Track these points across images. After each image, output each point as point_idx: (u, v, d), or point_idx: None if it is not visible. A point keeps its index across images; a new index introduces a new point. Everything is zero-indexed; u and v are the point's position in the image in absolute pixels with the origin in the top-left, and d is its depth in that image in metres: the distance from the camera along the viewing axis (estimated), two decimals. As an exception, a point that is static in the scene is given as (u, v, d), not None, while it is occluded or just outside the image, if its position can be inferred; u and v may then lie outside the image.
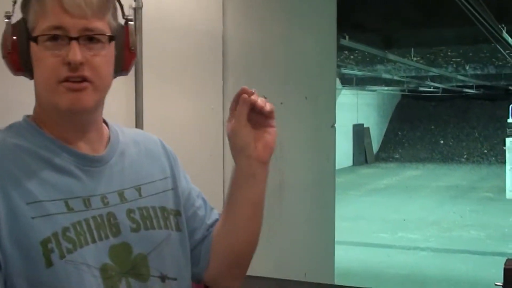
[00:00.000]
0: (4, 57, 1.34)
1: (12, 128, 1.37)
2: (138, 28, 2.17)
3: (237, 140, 1.49)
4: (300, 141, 3.89)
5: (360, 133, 25.48)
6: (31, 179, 1.27)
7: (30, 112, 1.40)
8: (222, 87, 2.96)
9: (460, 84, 20.50)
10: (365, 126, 26.11)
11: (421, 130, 28.72)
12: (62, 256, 1.25)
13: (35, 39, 1.29)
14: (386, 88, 23.61)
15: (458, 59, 13.41)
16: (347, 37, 7.41)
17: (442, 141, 28.05)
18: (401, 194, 17.03)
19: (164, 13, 2.31)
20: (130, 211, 1.40)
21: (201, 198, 1.62)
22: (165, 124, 2.56)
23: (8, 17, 1.33)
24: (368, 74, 16.22)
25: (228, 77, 3.00)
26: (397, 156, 27.55)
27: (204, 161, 2.90)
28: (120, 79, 2.12)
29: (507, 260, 2.07)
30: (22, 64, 1.33)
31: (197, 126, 2.81)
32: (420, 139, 28.36)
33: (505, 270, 2.04)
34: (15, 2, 1.35)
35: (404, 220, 12.74)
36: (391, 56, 10.50)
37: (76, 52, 1.27)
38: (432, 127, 28.72)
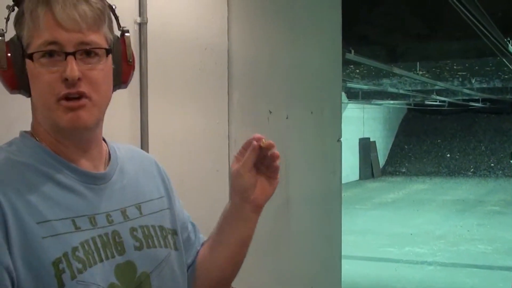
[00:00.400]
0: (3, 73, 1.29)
1: (13, 145, 1.34)
2: (143, 44, 2.17)
3: (239, 182, 1.49)
4: (306, 155, 3.87)
5: (366, 147, 25.45)
6: (38, 197, 1.24)
7: (28, 128, 1.38)
8: (228, 102, 2.96)
9: (466, 97, 20.48)
10: (371, 140, 26.09)
11: (427, 144, 28.68)
12: (73, 277, 1.22)
13: (30, 56, 1.26)
14: (392, 102, 23.60)
15: (464, 73, 13.41)
16: (352, 51, 7.42)
17: (448, 155, 28.00)
18: (408, 208, 16.98)
19: (169, 28, 2.31)
20: (133, 229, 1.39)
21: (190, 223, 1.64)
22: (170, 139, 2.55)
23: (1, 34, 1.29)
24: (374, 88, 16.21)
25: (233, 92, 3.00)
26: (403, 170, 27.50)
27: (210, 176, 2.89)
28: (125, 95, 2.13)
29: None
30: (18, 82, 1.30)
31: (203, 141, 2.80)
32: (427, 153, 28.31)
33: (514, 284, 2.02)
34: (7, 19, 1.32)
35: (411, 234, 12.69)
36: (396, 70, 10.50)
37: (73, 68, 1.24)
38: (439, 140, 28.68)
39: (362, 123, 25.27)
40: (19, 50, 1.28)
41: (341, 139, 4.48)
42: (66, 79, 1.24)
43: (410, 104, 25.37)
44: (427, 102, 23.17)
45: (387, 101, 23.09)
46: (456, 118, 28.21)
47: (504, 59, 8.99)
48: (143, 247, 1.39)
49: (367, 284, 8.57)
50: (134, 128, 2.24)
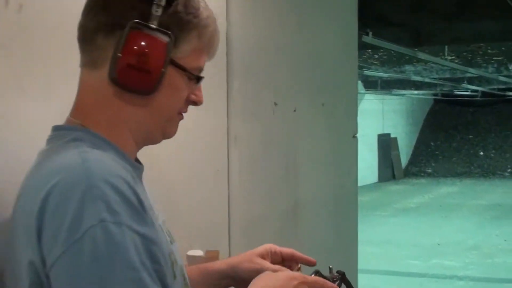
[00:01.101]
0: (139, 69, 1.41)
1: (94, 144, 1.42)
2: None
3: (248, 273, 1.76)
4: (317, 154, 3.88)
5: (386, 144, 25.50)
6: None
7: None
8: (226, 92, 2.97)
9: (503, 86, 20.50)
10: (392, 136, 26.14)
11: (457, 140, 28.75)
12: (175, 265, 1.47)
13: (183, 69, 1.47)
14: (416, 92, 23.63)
15: (500, 58, 13.42)
16: (370, 33, 7.44)
17: (482, 153, 28.05)
18: (434, 214, 17.03)
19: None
20: (163, 222, 1.57)
21: None
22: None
23: (168, 35, 1.42)
24: (395, 76, 16.23)
25: (233, 81, 3.01)
26: (429, 170, 27.57)
27: (209, 177, 2.91)
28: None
29: None
30: (156, 86, 1.44)
31: (198, 137, 2.81)
32: (457, 151, 28.38)
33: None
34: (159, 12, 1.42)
35: (439, 244, 12.75)
36: (421, 55, 10.51)
37: (202, 95, 1.56)
38: (470, 136, 28.74)
39: (382, 116, 25.32)
40: (169, 55, 1.44)
41: (357, 135, 4.49)
42: (195, 103, 1.56)
43: (437, 95, 25.41)
44: (456, 92, 23.20)
45: (410, 91, 23.12)
46: (490, 110, 28.25)
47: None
48: (174, 241, 1.59)
49: (388, 302, 8.62)
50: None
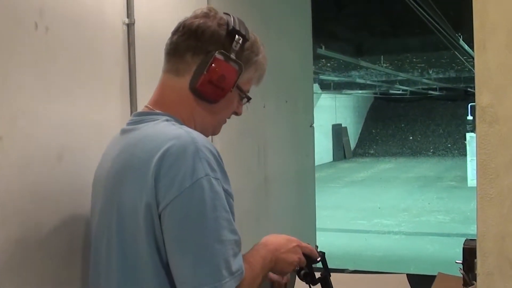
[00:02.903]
0: (216, 86, 1.52)
1: (181, 124, 1.53)
2: (131, 43, 2.15)
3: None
4: (282, 140, 3.87)
5: (338, 132, 25.52)
6: None
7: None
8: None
9: (425, 86, 20.58)
10: (343, 125, 26.16)
11: (392, 128, 28.80)
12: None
13: (239, 88, 1.58)
14: (360, 91, 23.68)
15: (422, 65, 13.45)
16: (323, 46, 7.42)
17: (411, 137, 28.14)
18: (376, 185, 17.05)
19: (156, 28, 2.29)
20: None
21: None
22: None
23: (239, 65, 1.54)
24: (344, 79, 16.24)
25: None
26: (372, 151, 27.61)
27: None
28: (116, 91, 2.12)
29: (466, 240, 2.08)
30: (221, 98, 1.55)
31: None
32: (392, 136, 28.44)
33: (464, 249, 2.04)
34: (238, 50, 1.55)
35: (379, 208, 12.75)
36: (363, 63, 10.52)
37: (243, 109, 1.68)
38: (402, 125, 28.81)
39: (335, 111, 25.32)
40: (238, 79, 1.56)
41: (315, 125, 4.48)
42: (236, 113, 1.66)
43: (376, 93, 25.45)
44: (391, 91, 23.25)
45: (356, 91, 23.15)
46: (417, 105, 28.33)
47: (456, 52, 9.04)
48: None
49: (340, 253, 8.60)
50: (124, 123, 2.22)
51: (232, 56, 1.53)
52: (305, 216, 4.31)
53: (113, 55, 2.12)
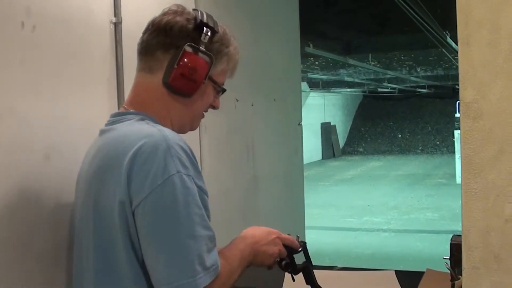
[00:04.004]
0: (188, 79, 1.54)
1: (156, 123, 1.54)
2: (118, 41, 2.15)
3: None
4: (271, 138, 3.88)
5: (327, 130, 25.56)
6: None
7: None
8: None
9: (414, 84, 20.64)
10: (331, 124, 26.21)
11: (381, 126, 28.88)
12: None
13: (213, 81, 1.60)
14: (349, 90, 23.73)
15: (410, 63, 13.50)
16: (311, 45, 7.42)
17: (400, 135, 28.22)
18: (365, 183, 17.10)
19: (143, 27, 2.28)
20: None
21: None
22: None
23: (210, 57, 1.56)
24: (332, 78, 16.26)
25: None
26: (361, 149, 27.68)
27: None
28: (103, 89, 2.11)
29: (453, 236, 2.08)
30: (195, 92, 1.57)
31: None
32: (381, 134, 28.52)
33: (451, 245, 2.05)
34: (206, 39, 1.56)
35: (369, 205, 12.79)
36: (351, 61, 10.54)
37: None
38: (391, 123, 28.89)
39: (323, 109, 25.36)
40: (209, 71, 1.57)
41: (304, 123, 4.49)
42: (214, 107, 1.68)
43: (365, 92, 25.54)
44: (380, 89, 23.31)
45: (344, 89, 23.19)
46: (405, 102, 28.41)
47: (444, 50, 9.07)
48: None
49: (330, 250, 8.62)
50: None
51: (202, 48, 1.55)
52: (294, 214, 4.31)
53: (101, 54, 2.12)
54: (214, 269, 1.41)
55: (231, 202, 3.27)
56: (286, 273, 2.24)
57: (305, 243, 1.79)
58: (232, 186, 3.29)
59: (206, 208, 1.45)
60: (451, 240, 2.06)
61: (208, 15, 1.59)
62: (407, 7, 5.80)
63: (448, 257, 2.03)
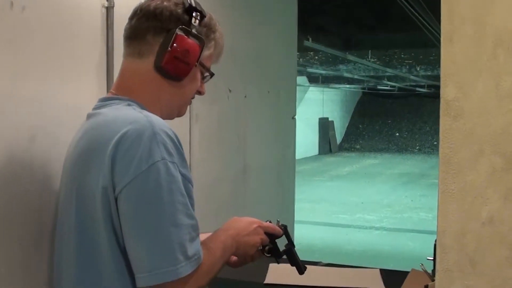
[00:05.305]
0: (181, 61, 1.54)
1: (143, 109, 1.53)
2: (110, 26, 2.14)
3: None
4: (263, 130, 3.87)
5: (325, 125, 25.54)
6: None
7: None
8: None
9: (413, 83, 20.63)
10: (329, 119, 26.19)
11: (379, 124, 28.87)
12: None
13: (204, 66, 1.62)
14: (348, 86, 23.71)
15: (410, 61, 13.48)
16: (310, 39, 7.40)
17: (397, 134, 28.22)
18: (360, 180, 17.10)
19: (134, 12, 2.28)
20: None
21: None
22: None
23: (201, 41, 1.57)
24: (332, 73, 16.24)
25: (197, 72, 2.97)
26: (358, 146, 27.67)
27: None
28: (93, 73, 2.11)
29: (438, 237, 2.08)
30: (186, 75, 1.57)
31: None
32: (378, 132, 28.51)
33: (435, 245, 2.05)
34: (196, 23, 1.57)
35: (362, 203, 12.79)
36: (350, 57, 10.52)
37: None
38: (389, 121, 28.88)
39: (322, 104, 25.34)
40: (201, 54, 1.58)
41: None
42: (200, 92, 1.68)
43: (364, 88, 25.49)
44: (379, 87, 23.30)
45: (344, 85, 23.17)
46: (404, 101, 28.40)
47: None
48: None
49: (321, 246, 8.63)
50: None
51: (193, 31, 1.56)
52: (283, 208, 4.32)
53: (91, 37, 2.11)
54: (196, 259, 1.41)
55: (220, 192, 3.27)
56: (270, 264, 2.24)
57: (286, 226, 1.81)
58: (221, 177, 3.29)
59: (190, 196, 1.44)
60: (436, 241, 2.06)
61: (195, 0, 1.60)
62: (407, 4, 5.79)
63: (432, 258, 2.04)
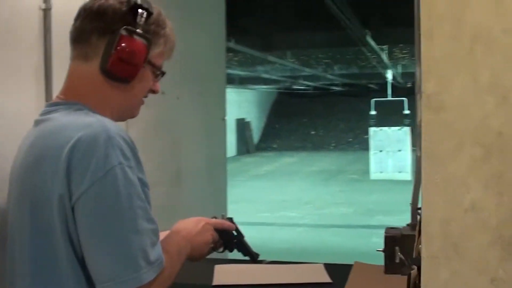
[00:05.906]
0: (127, 63, 1.48)
1: (94, 113, 1.48)
2: (47, 29, 2.08)
3: None
4: (195, 132, 3.86)
5: (242, 126, 25.68)
6: None
7: None
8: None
9: (328, 82, 21.00)
10: (246, 120, 26.34)
11: (295, 123, 29.25)
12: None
13: (151, 64, 1.55)
14: (264, 86, 23.90)
15: (328, 60, 13.72)
16: (233, 40, 7.42)
17: (313, 132, 28.69)
18: (280, 178, 17.29)
19: (73, 14, 2.22)
20: None
21: None
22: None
23: (148, 40, 1.51)
24: (249, 74, 16.34)
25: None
26: (275, 146, 27.96)
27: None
28: (30, 78, 2.04)
29: (386, 229, 2.16)
30: (134, 76, 1.51)
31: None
32: (294, 131, 28.89)
33: (385, 237, 2.12)
34: (141, 20, 1.50)
35: (283, 201, 12.93)
36: (271, 58, 10.61)
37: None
38: (305, 120, 29.30)
39: (239, 105, 25.46)
40: (148, 54, 1.52)
41: (225, 118, 4.49)
42: (154, 91, 1.62)
43: (280, 89, 25.76)
44: (294, 87, 23.60)
45: (260, 86, 23.36)
46: (319, 100, 28.88)
47: (363, 48, 9.27)
48: None
49: (246, 245, 8.67)
50: (39, 111, 2.15)
51: (139, 31, 1.49)
52: (217, 208, 4.31)
53: (28, 41, 2.04)
54: (158, 264, 1.38)
55: (154, 196, 3.23)
56: (215, 266, 2.24)
57: (231, 218, 1.86)
58: (157, 180, 3.25)
59: (148, 201, 1.41)
60: (385, 232, 2.12)
61: None
62: (329, 2, 5.88)
63: (382, 250, 2.09)
